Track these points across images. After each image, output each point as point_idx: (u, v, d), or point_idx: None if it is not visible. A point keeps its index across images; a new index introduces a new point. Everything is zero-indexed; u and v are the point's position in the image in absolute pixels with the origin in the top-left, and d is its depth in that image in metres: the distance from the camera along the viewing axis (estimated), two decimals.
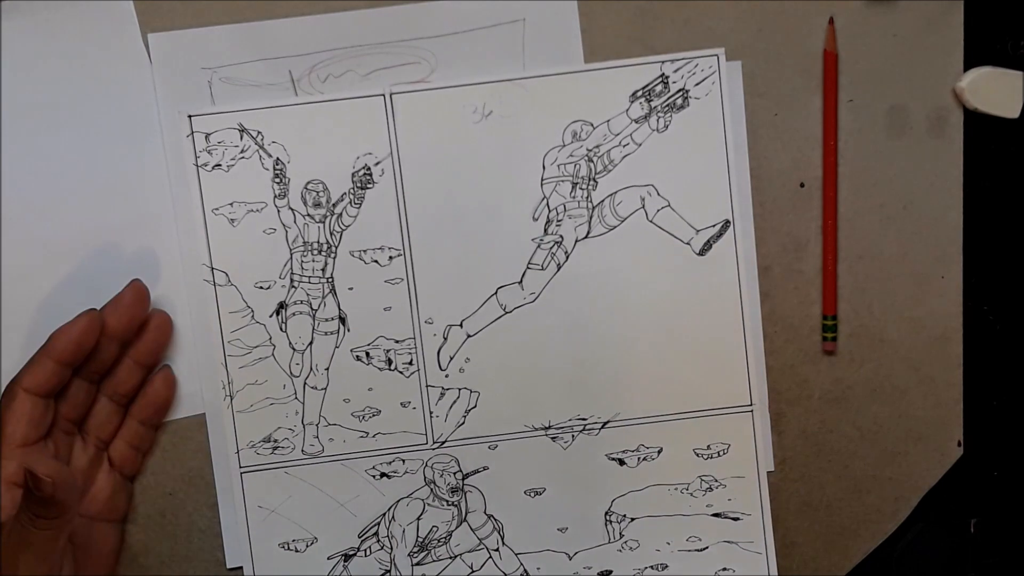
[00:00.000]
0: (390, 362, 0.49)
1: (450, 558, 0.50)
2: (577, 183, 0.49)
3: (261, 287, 0.49)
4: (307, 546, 0.50)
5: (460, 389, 0.50)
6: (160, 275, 0.49)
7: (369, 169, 0.49)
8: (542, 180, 0.49)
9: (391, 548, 0.50)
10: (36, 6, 0.48)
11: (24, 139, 0.48)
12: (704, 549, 0.51)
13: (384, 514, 0.50)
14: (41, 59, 0.48)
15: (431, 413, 0.50)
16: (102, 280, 0.48)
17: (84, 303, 0.46)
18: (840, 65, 0.49)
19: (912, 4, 0.49)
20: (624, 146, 0.49)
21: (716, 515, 0.51)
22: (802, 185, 0.50)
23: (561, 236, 0.49)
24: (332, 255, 0.49)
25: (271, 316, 0.49)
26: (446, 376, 0.49)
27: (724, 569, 0.51)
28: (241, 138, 0.48)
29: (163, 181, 0.49)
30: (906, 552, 0.52)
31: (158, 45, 0.48)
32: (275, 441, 0.49)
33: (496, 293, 0.49)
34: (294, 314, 0.49)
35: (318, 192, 0.48)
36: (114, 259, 0.49)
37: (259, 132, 0.48)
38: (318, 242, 0.49)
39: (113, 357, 0.47)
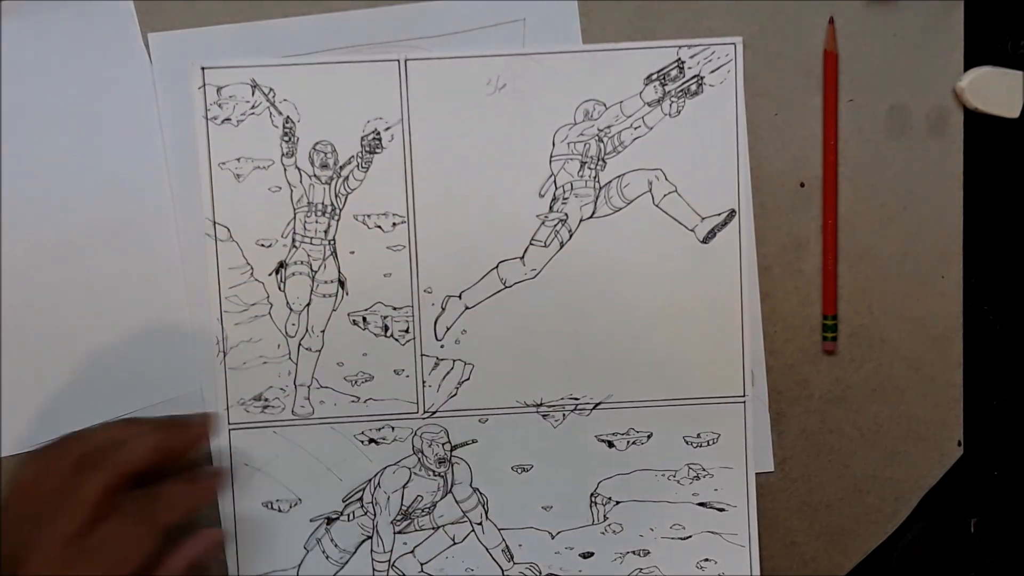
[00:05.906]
0: (386, 328, 0.49)
1: (432, 528, 0.50)
2: (586, 162, 0.49)
3: (262, 245, 0.49)
4: (290, 507, 0.50)
5: (454, 360, 0.49)
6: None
7: (379, 134, 0.49)
8: (551, 157, 0.49)
9: (374, 514, 0.50)
10: (36, 6, 0.48)
11: (24, 139, 0.48)
12: (687, 538, 0.50)
13: (370, 480, 0.50)
14: (41, 59, 0.48)
15: (424, 382, 0.49)
16: (101, 279, 0.48)
17: (84, 302, 0.46)
18: (840, 65, 0.49)
19: (912, 4, 0.49)
20: (635, 128, 0.49)
21: (702, 504, 0.50)
22: (802, 185, 0.50)
23: (566, 214, 0.49)
24: (336, 217, 0.49)
25: (270, 275, 0.49)
26: (441, 346, 0.49)
27: (706, 560, 0.50)
28: (253, 94, 0.48)
29: (163, 180, 0.49)
30: (906, 552, 0.51)
31: (158, 45, 0.48)
32: (266, 400, 0.49)
33: (497, 267, 0.49)
34: (293, 274, 0.49)
35: (326, 153, 0.48)
36: (114, 258, 0.49)
37: (271, 89, 0.48)
38: (322, 203, 0.49)
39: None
